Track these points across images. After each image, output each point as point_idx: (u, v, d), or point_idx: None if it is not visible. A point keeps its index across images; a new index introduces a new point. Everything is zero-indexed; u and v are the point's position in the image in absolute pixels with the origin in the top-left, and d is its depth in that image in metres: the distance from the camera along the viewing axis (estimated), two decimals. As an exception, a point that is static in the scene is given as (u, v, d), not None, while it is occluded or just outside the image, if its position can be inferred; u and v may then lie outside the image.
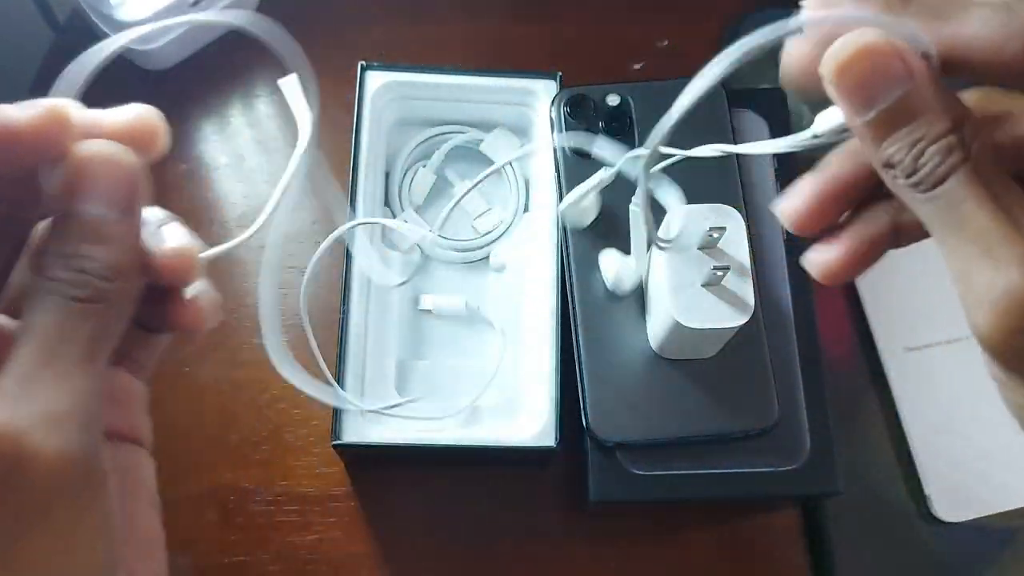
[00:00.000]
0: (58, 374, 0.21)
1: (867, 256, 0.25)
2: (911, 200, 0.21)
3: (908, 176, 0.21)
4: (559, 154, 0.48)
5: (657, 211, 0.39)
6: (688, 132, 0.49)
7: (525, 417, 0.45)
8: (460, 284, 0.51)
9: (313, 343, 0.42)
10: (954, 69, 0.21)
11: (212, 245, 0.52)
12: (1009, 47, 0.20)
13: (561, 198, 0.47)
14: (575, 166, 0.47)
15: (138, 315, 0.26)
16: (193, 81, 0.57)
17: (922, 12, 0.20)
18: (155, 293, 0.26)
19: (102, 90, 0.61)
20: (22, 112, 0.22)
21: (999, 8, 0.20)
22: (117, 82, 0.57)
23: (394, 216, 0.51)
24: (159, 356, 0.29)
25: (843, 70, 0.21)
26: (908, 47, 0.20)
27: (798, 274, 0.47)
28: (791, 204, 0.24)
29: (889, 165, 0.21)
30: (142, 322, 0.27)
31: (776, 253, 0.48)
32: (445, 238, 0.51)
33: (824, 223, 0.24)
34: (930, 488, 0.48)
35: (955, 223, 0.20)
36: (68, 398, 0.21)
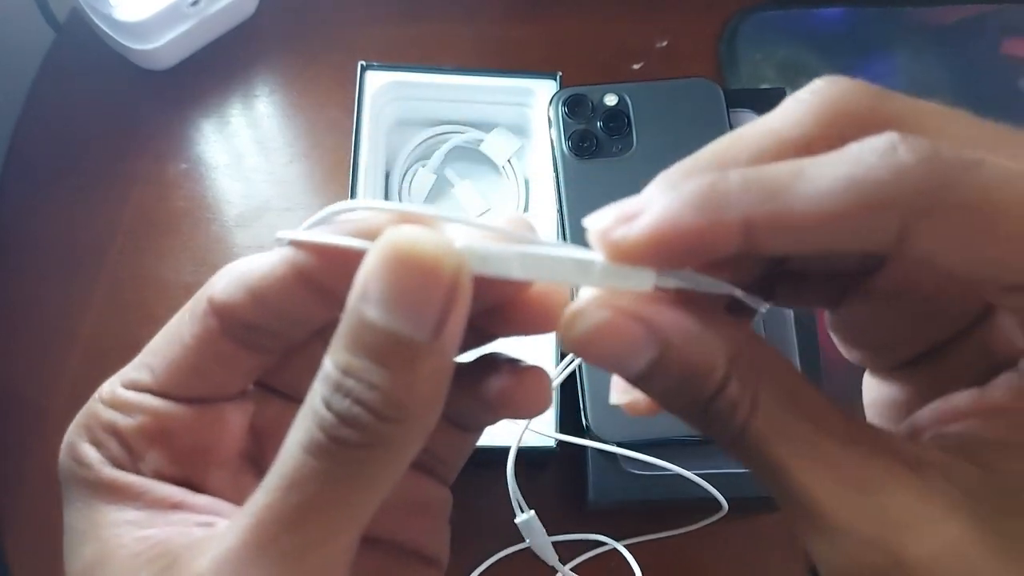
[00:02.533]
0: (296, 546, 0.16)
1: None
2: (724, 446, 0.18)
3: (711, 432, 0.17)
4: (558, 154, 0.48)
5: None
6: (686, 132, 0.49)
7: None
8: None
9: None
10: (792, 252, 0.16)
11: (213, 246, 0.53)
12: (879, 216, 0.15)
13: (560, 198, 0.47)
14: (574, 166, 0.47)
15: (449, 412, 0.21)
16: (193, 81, 0.57)
17: (750, 192, 0.16)
18: (474, 378, 0.21)
19: (103, 90, 0.62)
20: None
21: (847, 162, 0.15)
22: (117, 81, 0.58)
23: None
24: (466, 456, 0.23)
25: (585, 351, 0.17)
26: (646, 308, 0.17)
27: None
28: (617, 230, 0.17)
29: (684, 417, 0.18)
30: (452, 419, 0.22)
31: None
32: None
33: (658, 266, 0.17)
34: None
35: (774, 479, 0.17)
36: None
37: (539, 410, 0.21)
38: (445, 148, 0.52)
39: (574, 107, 0.49)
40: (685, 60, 0.59)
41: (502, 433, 0.44)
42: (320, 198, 0.54)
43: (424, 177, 0.52)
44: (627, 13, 0.61)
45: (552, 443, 0.43)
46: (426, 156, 0.53)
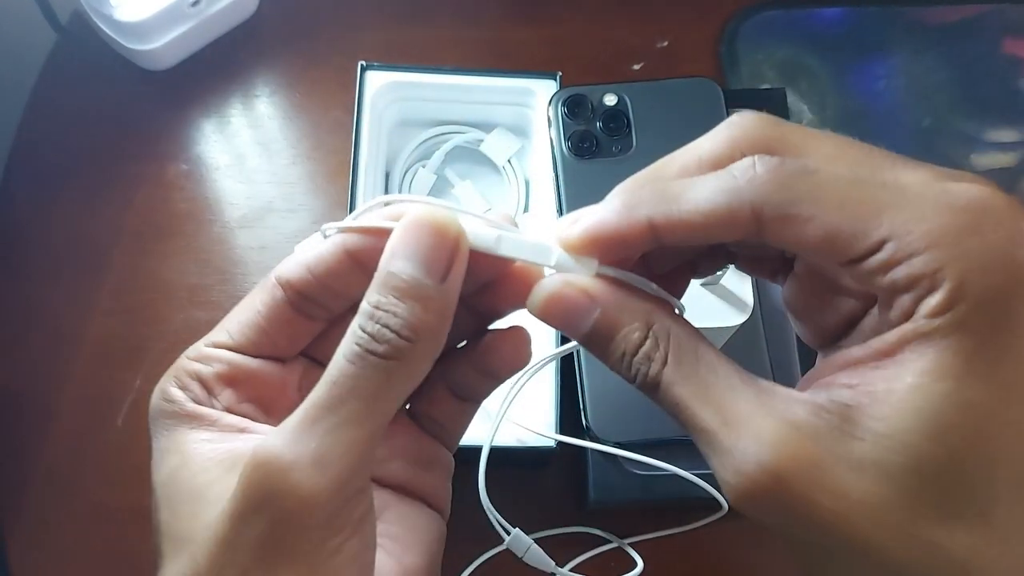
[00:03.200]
0: (337, 422, 0.22)
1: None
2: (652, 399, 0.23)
3: (634, 381, 0.23)
4: (558, 154, 0.48)
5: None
6: (686, 133, 0.49)
7: (525, 417, 0.45)
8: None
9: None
10: (687, 244, 0.23)
11: (216, 247, 0.53)
12: (738, 215, 0.21)
13: (559, 198, 0.47)
14: (574, 166, 0.47)
15: (453, 384, 0.28)
16: (193, 81, 0.57)
17: (655, 198, 0.22)
18: (471, 351, 0.28)
19: (104, 91, 0.62)
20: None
21: (723, 177, 0.21)
22: (118, 82, 0.58)
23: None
24: (466, 425, 0.30)
25: (543, 314, 0.24)
26: (588, 283, 0.23)
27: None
28: (564, 229, 0.24)
29: (619, 374, 0.24)
30: (455, 390, 0.29)
31: (775, 253, 0.49)
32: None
33: (599, 258, 0.24)
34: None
35: (682, 416, 0.22)
36: (339, 446, 0.22)
37: (521, 361, 0.28)
38: (445, 148, 0.52)
39: (574, 107, 0.49)
40: (685, 60, 0.59)
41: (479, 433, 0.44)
42: (322, 199, 0.54)
43: (424, 177, 0.52)
44: (627, 13, 0.61)
45: (552, 443, 0.43)
46: (426, 156, 0.53)
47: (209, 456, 0.24)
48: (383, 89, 0.51)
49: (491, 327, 0.28)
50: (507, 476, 0.48)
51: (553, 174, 0.48)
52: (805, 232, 0.20)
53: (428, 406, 0.29)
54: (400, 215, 0.24)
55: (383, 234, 0.24)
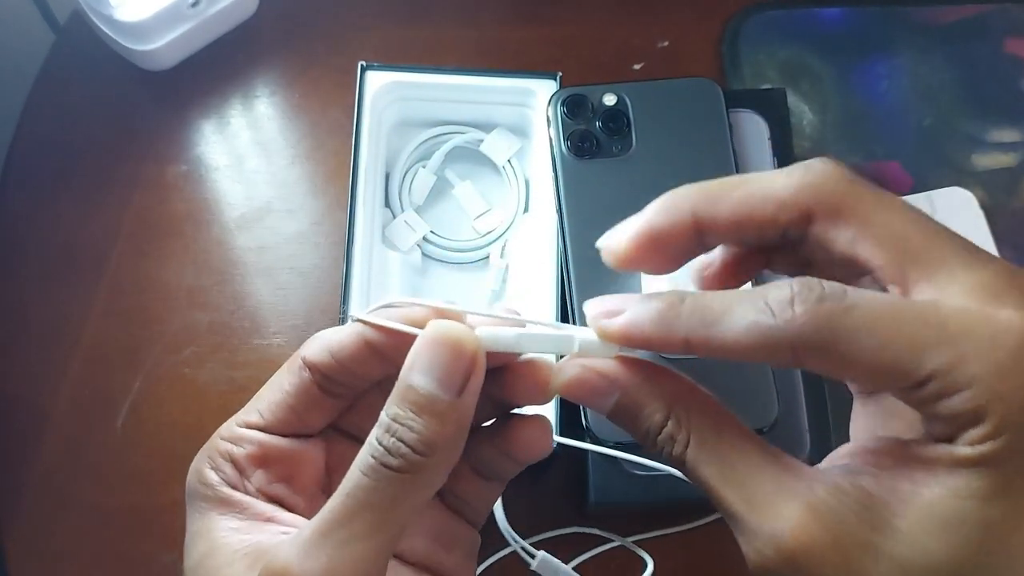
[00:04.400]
0: (348, 536, 0.23)
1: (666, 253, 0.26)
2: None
3: (661, 457, 0.24)
4: (557, 154, 0.48)
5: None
6: (685, 133, 0.49)
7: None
8: (459, 284, 0.51)
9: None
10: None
11: (214, 248, 0.52)
12: (775, 350, 0.21)
13: (559, 198, 0.47)
14: (573, 166, 0.47)
15: (477, 464, 0.29)
16: (193, 81, 0.57)
17: (693, 318, 0.22)
18: (494, 434, 0.28)
19: (103, 91, 0.62)
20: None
21: (761, 310, 0.21)
22: (117, 82, 0.58)
23: (393, 216, 0.51)
24: (492, 503, 0.31)
25: (565, 395, 0.25)
26: (608, 367, 0.25)
27: (798, 274, 0.47)
28: (612, 241, 0.26)
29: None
30: (479, 470, 0.29)
31: (776, 253, 0.48)
32: (445, 238, 0.51)
33: (646, 265, 0.25)
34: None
35: (708, 494, 0.23)
36: (350, 562, 0.23)
37: (541, 449, 0.28)
38: (445, 149, 0.52)
39: (573, 107, 0.48)
40: (686, 60, 0.59)
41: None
42: (322, 199, 0.54)
43: (424, 178, 0.52)
44: (628, 13, 0.61)
45: (553, 444, 0.43)
46: (426, 157, 0.53)
47: (235, 548, 0.25)
48: (383, 89, 0.51)
49: (513, 411, 0.29)
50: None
51: (553, 174, 0.48)
52: (847, 370, 0.21)
53: (453, 484, 0.29)
54: (421, 319, 0.25)
55: (402, 336, 0.25)
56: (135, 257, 0.52)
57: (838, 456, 0.24)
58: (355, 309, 0.46)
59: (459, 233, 0.52)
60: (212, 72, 0.57)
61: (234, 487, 0.27)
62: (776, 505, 0.21)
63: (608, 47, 0.59)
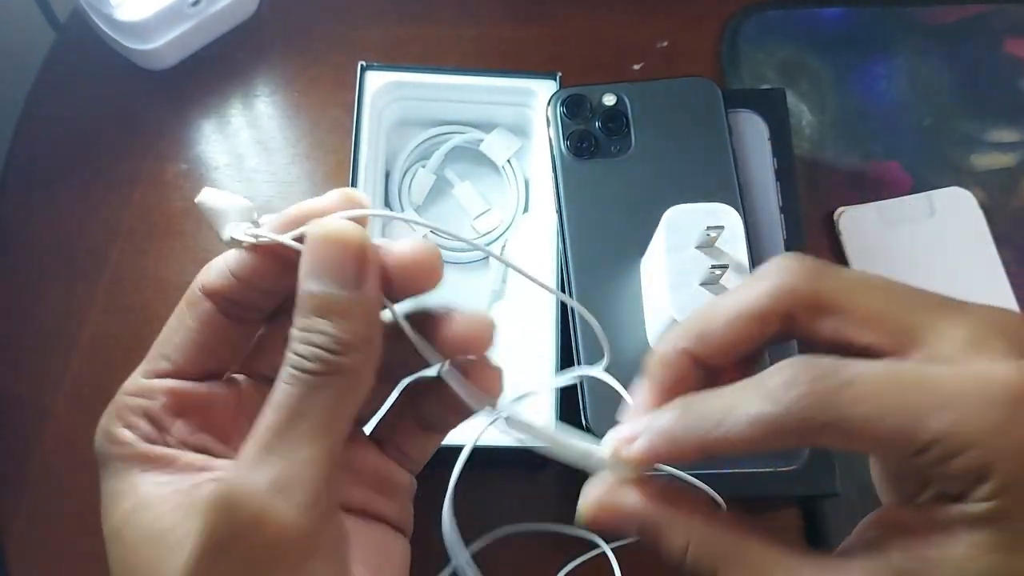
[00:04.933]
0: (290, 445, 0.22)
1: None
2: None
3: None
4: (557, 154, 0.48)
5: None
6: (685, 133, 0.49)
7: (525, 417, 0.44)
8: (459, 284, 0.51)
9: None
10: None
11: (214, 247, 0.52)
12: (783, 436, 0.22)
13: (558, 198, 0.47)
14: (573, 166, 0.47)
15: (416, 413, 0.29)
16: (193, 81, 0.57)
17: (701, 427, 0.23)
18: (431, 381, 0.28)
19: (103, 90, 0.62)
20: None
21: (764, 398, 0.22)
22: (118, 81, 0.58)
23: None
24: (431, 453, 0.30)
25: (592, 526, 0.26)
26: (627, 502, 0.25)
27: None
28: (630, 439, 0.25)
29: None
30: (422, 423, 0.29)
31: (775, 251, 0.48)
32: (445, 236, 0.51)
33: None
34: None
35: None
36: (298, 468, 0.22)
37: (492, 396, 0.27)
38: (445, 148, 0.52)
39: (572, 107, 0.49)
40: (686, 60, 0.59)
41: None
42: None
43: (424, 177, 0.52)
44: (628, 13, 0.61)
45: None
46: (426, 156, 0.53)
47: (169, 499, 0.24)
48: (383, 89, 0.51)
49: (461, 359, 0.27)
50: (507, 476, 0.48)
51: (552, 174, 0.48)
52: (850, 442, 0.22)
53: (392, 434, 0.29)
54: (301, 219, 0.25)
55: (289, 250, 0.24)
56: (135, 255, 0.52)
57: (864, 529, 0.25)
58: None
59: (459, 233, 0.52)
60: (212, 71, 0.57)
61: (154, 443, 0.25)
62: None
63: (608, 47, 0.59)
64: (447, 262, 0.51)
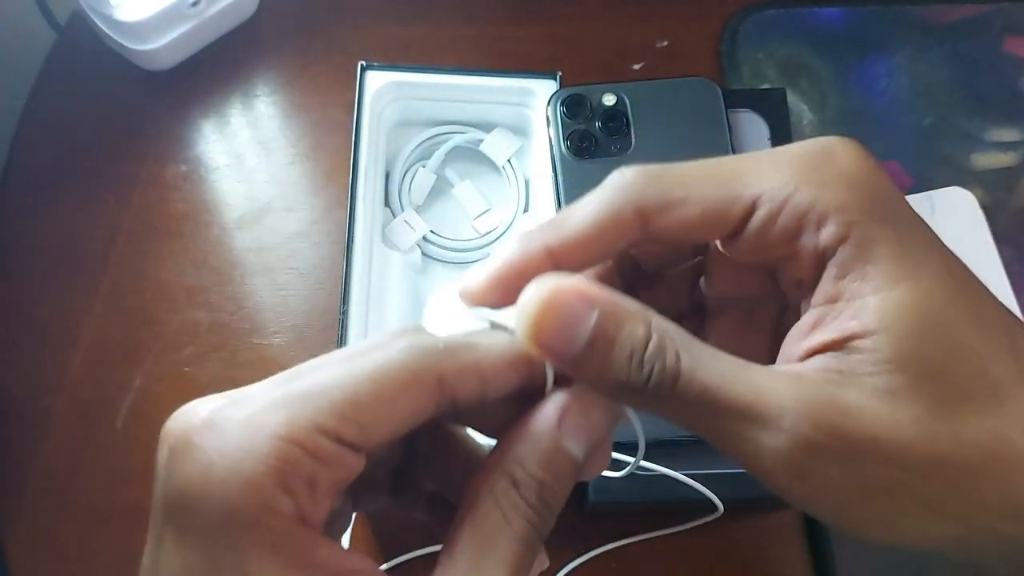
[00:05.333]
0: None
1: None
2: (655, 406, 0.21)
3: (647, 380, 0.20)
4: (557, 154, 0.48)
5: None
6: (684, 132, 0.49)
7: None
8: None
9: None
10: (584, 264, 0.23)
11: (214, 248, 0.53)
12: (622, 216, 0.23)
13: (558, 197, 0.47)
14: (573, 166, 0.47)
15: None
16: (193, 81, 0.57)
17: (543, 228, 0.23)
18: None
19: (103, 91, 0.62)
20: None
21: (598, 191, 0.23)
22: (118, 82, 0.58)
23: (393, 215, 0.51)
24: None
25: (538, 326, 0.21)
26: (584, 284, 0.21)
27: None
28: (468, 283, 0.24)
29: (625, 386, 0.21)
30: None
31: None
32: (444, 238, 0.51)
33: (501, 302, 0.23)
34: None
35: (708, 404, 0.20)
36: None
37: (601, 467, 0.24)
38: (445, 148, 0.52)
39: (572, 107, 0.49)
40: (686, 60, 0.59)
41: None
42: (322, 198, 0.54)
43: (424, 177, 0.52)
44: (628, 13, 0.61)
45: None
46: (426, 156, 0.53)
47: None
48: (383, 89, 0.51)
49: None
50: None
51: (552, 174, 0.48)
52: (684, 214, 0.22)
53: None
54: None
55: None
56: (135, 256, 0.52)
57: (787, 355, 0.23)
58: (357, 307, 0.46)
59: (459, 233, 0.52)
60: (212, 72, 0.57)
61: (305, 521, 0.19)
62: (784, 388, 0.20)
63: (608, 47, 0.59)
64: (447, 262, 0.51)
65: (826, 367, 0.21)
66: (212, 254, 0.52)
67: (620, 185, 0.23)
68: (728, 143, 0.48)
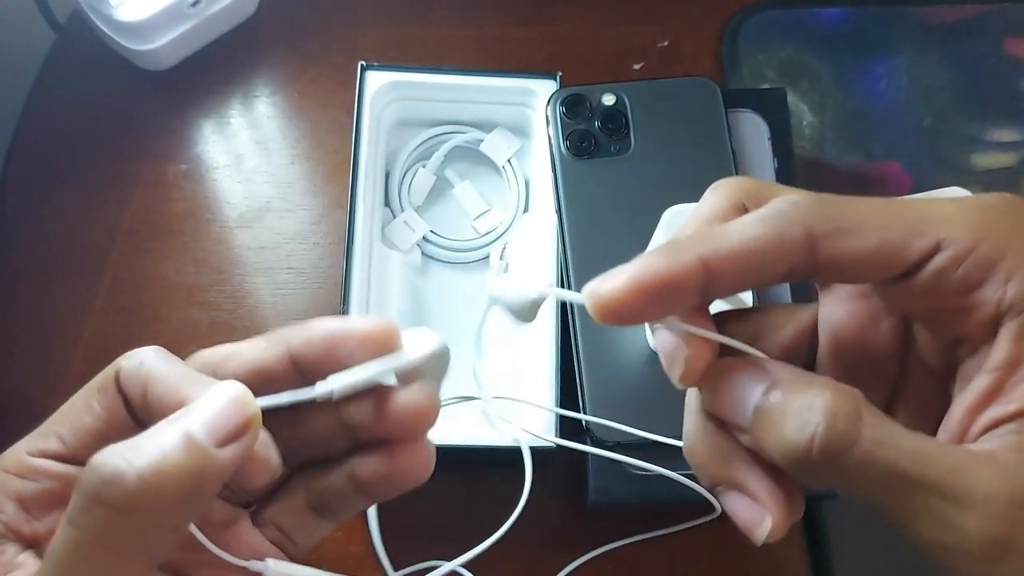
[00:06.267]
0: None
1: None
2: (835, 472, 0.20)
3: (816, 447, 0.20)
4: (556, 154, 0.48)
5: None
6: (684, 133, 0.49)
7: (525, 419, 0.45)
8: (459, 284, 0.51)
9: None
10: (739, 286, 0.22)
11: (214, 247, 0.53)
12: (789, 236, 0.21)
13: (558, 198, 0.47)
14: (572, 166, 0.47)
15: (311, 493, 0.25)
16: (193, 81, 0.57)
17: (699, 237, 0.21)
18: (337, 459, 0.25)
19: (103, 91, 0.62)
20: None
21: (766, 208, 0.21)
22: (118, 82, 0.58)
23: (393, 216, 0.51)
24: (316, 540, 0.27)
25: (714, 394, 0.22)
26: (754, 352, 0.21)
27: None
28: (607, 286, 0.21)
29: (796, 455, 0.20)
30: (317, 506, 0.26)
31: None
32: (444, 238, 0.51)
33: (636, 319, 0.22)
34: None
35: (893, 478, 0.20)
36: None
37: (418, 478, 0.24)
38: (445, 148, 0.52)
39: (572, 107, 0.49)
40: (686, 60, 0.59)
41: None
42: (321, 198, 0.54)
43: (424, 177, 0.52)
44: (628, 13, 0.61)
45: (552, 444, 0.43)
46: (426, 156, 0.53)
47: None
48: (383, 89, 0.51)
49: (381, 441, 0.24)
50: (506, 476, 0.48)
51: (552, 174, 0.48)
52: (858, 244, 0.20)
53: (276, 514, 0.26)
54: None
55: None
56: (135, 256, 0.52)
57: (953, 430, 0.22)
58: (357, 307, 0.46)
59: (459, 233, 0.52)
60: (212, 72, 0.57)
61: (13, 531, 0.22)
62: (982, 468, 0.19)
63: (608, 47, 0.59)
64: (446, 262, 0.51)
65: (1020, 445, 0.20)
66: (212, 253, 0.52)
67: (791, 202, 0.21)
68: (728, 143, 0.48)
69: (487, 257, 0.51)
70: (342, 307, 0.46)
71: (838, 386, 0.20)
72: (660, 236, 0.42)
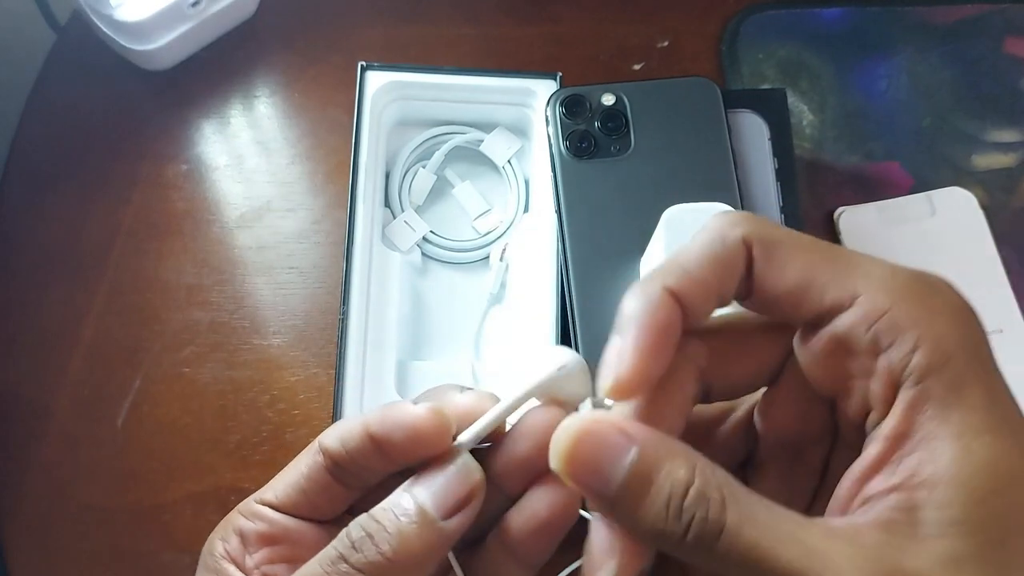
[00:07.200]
0: None
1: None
2: (695, 558, 0.20)
3: (687, 531, 0.20)
4: (556, 154, 0.48)
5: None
6: (684, 133, 0.49)
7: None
8: (459, 284, 0.51)
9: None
10: (707, 304, 0.23)
11: (214, 247, 0.53)
12: (731, 246, 0.22)
13: (558, 198, 0.47)
14: (572, 166, 0.47)
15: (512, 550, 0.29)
16: (193, 81, 0.57)
17: (660, 270, 0.23)
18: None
19: (104, 91, 0.62)
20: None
21: (709, 224, 0.23)
22: (118, 82, 0.58)
23: (393, 216, 0.51)
24: None
25: (570, 460, 0.21)
26: (624, 421, 0.21)
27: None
28: (622, 371, 0.22)
29: (661, 535, 0.20)
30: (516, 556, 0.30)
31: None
32: (444, 238, 0.51)
33: (657, 372, 0.22)
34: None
35: (756, 562, 0.19)
36: None
37: (565, 523, 0.29)
38: (445, 148, 0.52)
39: (572, 107, 0.49)
40: (686, 60, 0.59)
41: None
42: (321, 198, 0.54)
43: (424, 178, 0.52)
44: (628, 13, 0.61)
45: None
46: (426, 157, 0.53)
47: None
48: (383, 89, 0.51)
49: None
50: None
51: (551, 174, 0.48)
52: (785, 274, 0.21)
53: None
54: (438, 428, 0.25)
55: (407, 437, 0.25)
56: (135, 256, 0.52)
57: (839, 503, 0.22)
58: (357, 307, 0.46)
59: (459, 233, 0.52)
60: (212, 72, 0.57)
61: (234, 560, 0.27)
62: (839, 551, 0.19)
63: (608, 47, 0.59)
64: (446, 262, 0.51)
65: (889, 522, 0.20)
66: (212, 253, 0.52)
67: (726, 215, 0.23)
68: (728, 144, 0.48)
69: (487, 257, 0.51)
70: (342, 307, 0.46)
71: (699, 457, 0.20)
72: (659, 236, 0.42)
